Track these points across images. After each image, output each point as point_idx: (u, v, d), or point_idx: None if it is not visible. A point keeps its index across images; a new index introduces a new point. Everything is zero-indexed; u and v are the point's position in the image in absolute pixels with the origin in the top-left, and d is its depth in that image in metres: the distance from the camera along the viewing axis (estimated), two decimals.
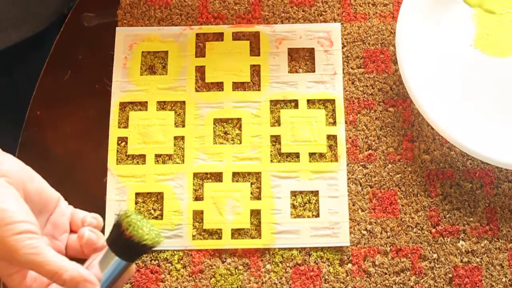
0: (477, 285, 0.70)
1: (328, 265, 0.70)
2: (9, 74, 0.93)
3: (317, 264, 0.71)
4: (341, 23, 0.78)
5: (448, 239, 0.71)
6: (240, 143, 0.74)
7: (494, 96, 0.74)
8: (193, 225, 0.72)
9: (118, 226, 0.54)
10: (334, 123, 0.75)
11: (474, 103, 0.74)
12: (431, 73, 0.73)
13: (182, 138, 0.74)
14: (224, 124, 0.75)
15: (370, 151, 0.74)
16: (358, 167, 0.73)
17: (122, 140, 0.74)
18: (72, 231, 0.60)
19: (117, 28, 0.78)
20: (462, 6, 0.77)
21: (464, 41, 0.76)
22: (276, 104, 0.75)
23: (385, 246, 0.71)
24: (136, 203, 0.73)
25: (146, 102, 0.75)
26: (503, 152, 0.70)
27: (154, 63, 0.77)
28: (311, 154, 0.74)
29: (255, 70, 0.77)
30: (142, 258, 0.71)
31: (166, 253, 0.71)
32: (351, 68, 0.76)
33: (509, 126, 0.73)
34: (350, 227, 0.71)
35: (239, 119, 0.75)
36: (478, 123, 0.72)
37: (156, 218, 0.72)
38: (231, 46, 0.77)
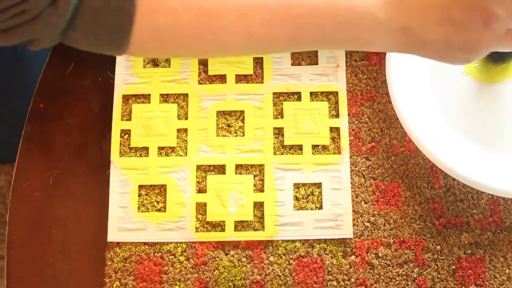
0: (481, 276, 0.70)
1: (331, 257, 0.70)
2: (12, 67, 0.94)
3: (320, 256, 0.71)
4: None
5: (452, 231, 0.71)
6: (243, 135, 0.74)
7: (488, 122, 0.73)
8: (196, 218, 0.72)
9: None
10: (337, 116, 0.74)
11: (470, 130, 0.72)
12: (424, 101, 0.72)
13: (185, 130, 0.74)
14: (227, 116, 0.75)
15: (373, 143, 0.74)
16: (361, 159, 0.73)
17: (125, 132, 0.75)
18: None
19: None
20: None
21: (455, 68, 0.74)
22: (279, 97, 0.75)
23: (388, 238, 0.71)
24: (139, 195, 0.73)
25: (149, 94, 0.75)
26: (493, 178, 0.68)
27: None
28: (314, 147, 0.74)
29: (258, 63, 0.76)
30: (146, 250, 0.71)
31: (169, 245, 0.71)
32: (354, 61, 0.76)
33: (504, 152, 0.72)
34: (353, 219, 0.71)
35: (242, 112, 0.75)
36: (468, 149, 0.71)
37: (159, 210, 0.72)
38: None
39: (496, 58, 0.73)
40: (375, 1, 0.52)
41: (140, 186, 0.73)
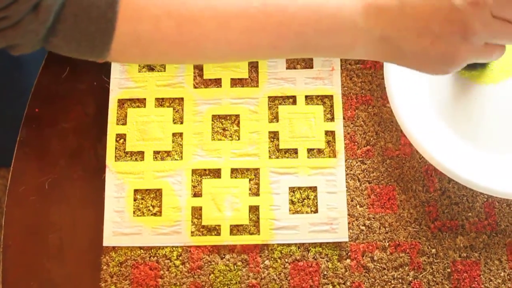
0: (476, 279, 0.70)
1: (327, 261, 0.71)
2: (8, 71, 0.93)
3: (315, 259, 0.71)
4: None
5: (447, 234, 0.71)
6: (239, 139, 0.74)
7: (486, 123, 0.73)
8: (192, 222, 0.72)
9: None
10: (332, 119, 0.75)
11: (467, 131, 0.73)
12: (421, 102, 0.73)
13: (181, 134, 0.74)
14: (222, 120, 0.75)
15: (368, 146, 0.74)
16: (356, 162, 0.73)
17: (121, 137, 0.75)
18: None
19: None
20: None
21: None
22: (274, 100, 0.75)
23: (383, 241, 0.71)
24: (135, 199, 0.73)
25: (145, 99, 0.75)
26: (491, 179, 0.69)
27: None
28: (309, 150, 0.74)
29: (253, 67, 0.77)
30: (142, 254, 0.71)
31: (165, 249, 0.71)
32: (349, 64, 0.76)
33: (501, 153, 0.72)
34: (349, 223, 0.71)
35: (237, 116, 0.75)
36: (465, 150, 0.72)
37: (154, 214, 0.72)
38: None
39: (470, 67, 0.73)
40: (356, 10, 0.52)
41: (136, 190, 0.73)
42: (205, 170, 0.73)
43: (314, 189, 0.73)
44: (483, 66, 0.74)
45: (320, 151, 0.74)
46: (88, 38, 0.50)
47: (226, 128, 0.75)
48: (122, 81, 0.76)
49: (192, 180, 0.73)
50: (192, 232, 0.72)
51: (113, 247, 0.71)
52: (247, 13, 0.52)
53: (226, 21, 0.52)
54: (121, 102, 0.76)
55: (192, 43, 0.52)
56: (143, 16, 0.51)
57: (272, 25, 0.52)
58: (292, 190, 0.73)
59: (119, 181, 0.73)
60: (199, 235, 0.72)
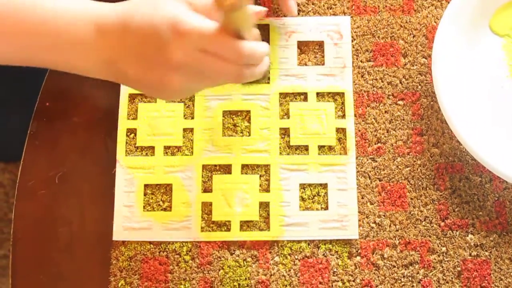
0: (486, 278, 0.69)
1: (337, 258, 0.70)
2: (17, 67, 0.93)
3: (325, 256, 0.71)
4: (351, 16, 0.78)
5: (457, 233, 0.71)
6: (249, 135, 0.74)
7: None
8: (201, 217, 0.72)
9: None
10: (343, 116, 0.74)
11: None
12: (470, 104, 0.72)
13: (191, 130, 0.74)
14: (233, 116, 0.75)
15: (379, 144, 0.74)
16: (367, 160, 0.73)
17: (131, 131, 0.75)
18: None
19: None
20: (491, 37, 0.74)
21: (500, 72, 0.73)
22: (286, 97, 0.75)
23: (393, 239, 0.71)
24: (145, 194, 0.73)
25: None
26: None
27: None
28: (320, 147, 0.73)
29: None
30: (151, 249, 0.71)
31: (174, 244, 0.71)
32: (361, 61, 0.76)
33: None
34: (359, 220, 0.71)
35: (248, 112, 0.75)
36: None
37: (164, 209, 0.72)
38: None
39: None
40: (87, 29, 0.52)
41: (146, 185, 0.73)
42: (215, 165, 0.73)
43: (324, 186, 0.72)
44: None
45: (331, 148, 0.74)
46: None
47: (237, 124, 0.75)
48: None
49: (202, 175, 0.73)
50: (202, 227, 0.72)
51: (123, 242, 0.71)
52: None
53: None
54: (132, 97, 0.75)
55: None
56: None
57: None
58: (303, 186, 0.72)
59: (129, 176, 0.73)
60: (209, 230, 0.72)
